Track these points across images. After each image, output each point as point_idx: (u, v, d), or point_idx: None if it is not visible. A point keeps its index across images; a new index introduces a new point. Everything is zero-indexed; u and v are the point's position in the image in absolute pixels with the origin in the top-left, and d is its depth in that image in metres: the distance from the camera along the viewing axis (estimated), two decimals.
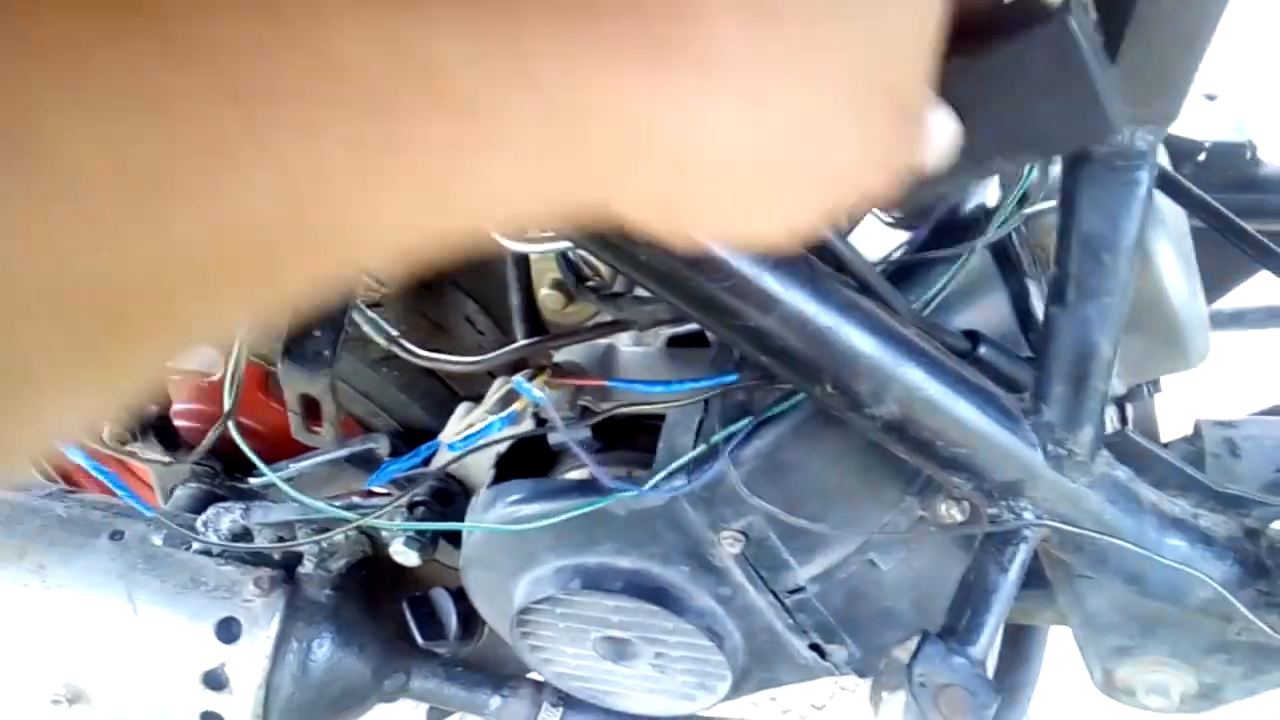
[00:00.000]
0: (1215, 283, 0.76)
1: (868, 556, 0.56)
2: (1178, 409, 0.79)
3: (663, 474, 0.54)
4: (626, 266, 0.41)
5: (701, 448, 0.55)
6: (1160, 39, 0.39)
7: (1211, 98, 0.77)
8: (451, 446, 0.60)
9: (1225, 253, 0.68)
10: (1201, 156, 0.72)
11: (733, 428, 0.53)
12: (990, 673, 0.51)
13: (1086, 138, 0.41)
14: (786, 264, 0.41)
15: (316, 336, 0.44)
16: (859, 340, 0.42)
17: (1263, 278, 0.81)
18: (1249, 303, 0.88)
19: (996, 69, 0.37)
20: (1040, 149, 0.41)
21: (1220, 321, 0.85)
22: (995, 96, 0.38)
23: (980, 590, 0.46)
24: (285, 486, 0.53)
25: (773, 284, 0.40)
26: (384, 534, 0.72)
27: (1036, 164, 0.55)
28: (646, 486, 0.54)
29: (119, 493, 0.67)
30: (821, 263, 0.43)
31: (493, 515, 0.62)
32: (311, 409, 0.50)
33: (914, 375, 0.43)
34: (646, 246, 0.39)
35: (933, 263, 0.55)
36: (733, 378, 0.54)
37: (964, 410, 0.44)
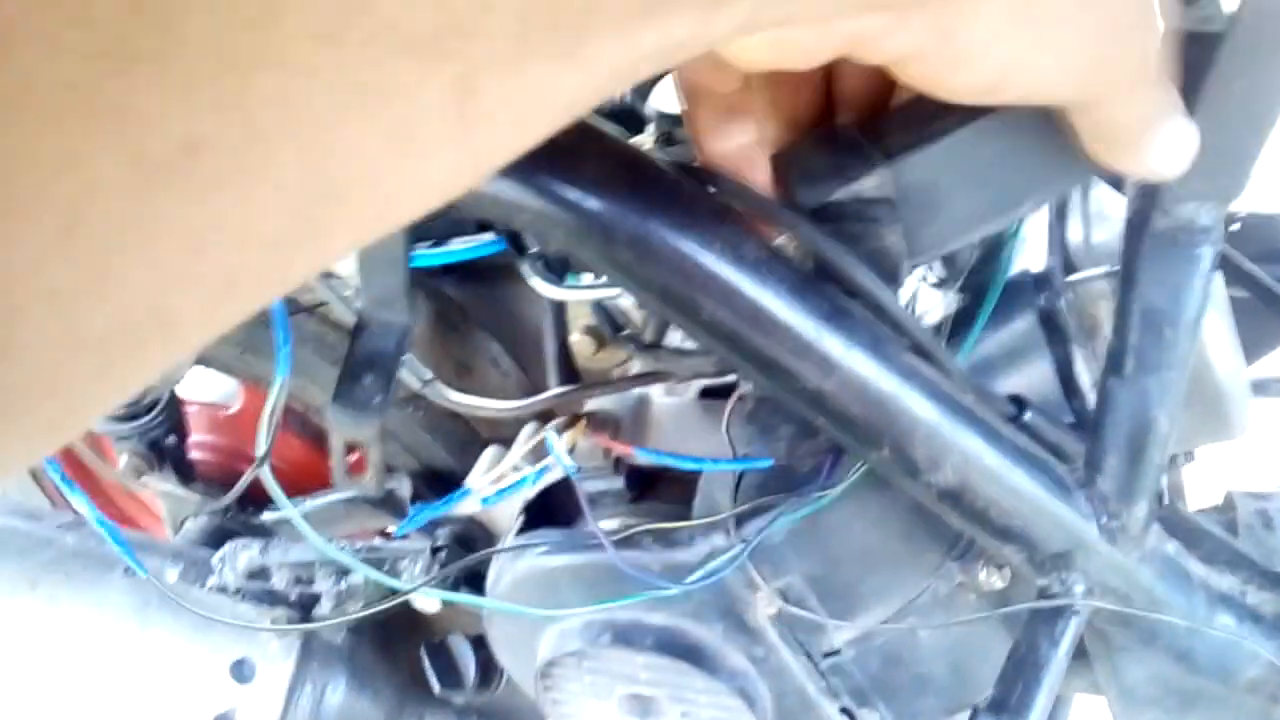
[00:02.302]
0: (1245, 352, 0.76)
1: (906, 620, 0.55)
2: (1199, 476, 0.79)
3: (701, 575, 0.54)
4: (687, 323, 0.40)
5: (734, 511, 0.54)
6: (1228, 116, 0.39)
7: None
8: (485, 501, 0.59)
9: (1255, 322, 0.68)
10: (1235, 227, 0.72)
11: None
12: None
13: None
14: (847, 326, 0.40)
15: (368, 383, 0.43)
16: (919, 406, 0.41)
17: None
18: (1273, 372, 0.88)
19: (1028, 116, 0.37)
20: (1062, 185, 0.41)
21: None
22: (1025, 140, 0.38)
23: (1031, 664, 0.45)
24: (317, 537, 0.52)
25: (834, 346, 0.40)
26: (404, 578, 0.70)
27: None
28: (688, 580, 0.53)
29: (117, 547, 0.65)
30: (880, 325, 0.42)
31: (520, 565, 0.61)
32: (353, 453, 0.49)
33: (972, 443, 0.42)
34: (710, 304, 0.39)
35: (974, 326, 0.55)
36: (767, 462, 0.54)
37: (1020, 480, 0.44)
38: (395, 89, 0.14)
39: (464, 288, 0.78)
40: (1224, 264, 0.61)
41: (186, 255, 0.13)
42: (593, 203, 0.36)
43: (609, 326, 0.61)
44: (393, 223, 0.16)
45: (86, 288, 0.13)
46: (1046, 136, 0.37)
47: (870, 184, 0.37)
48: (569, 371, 0.67)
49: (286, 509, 0.46)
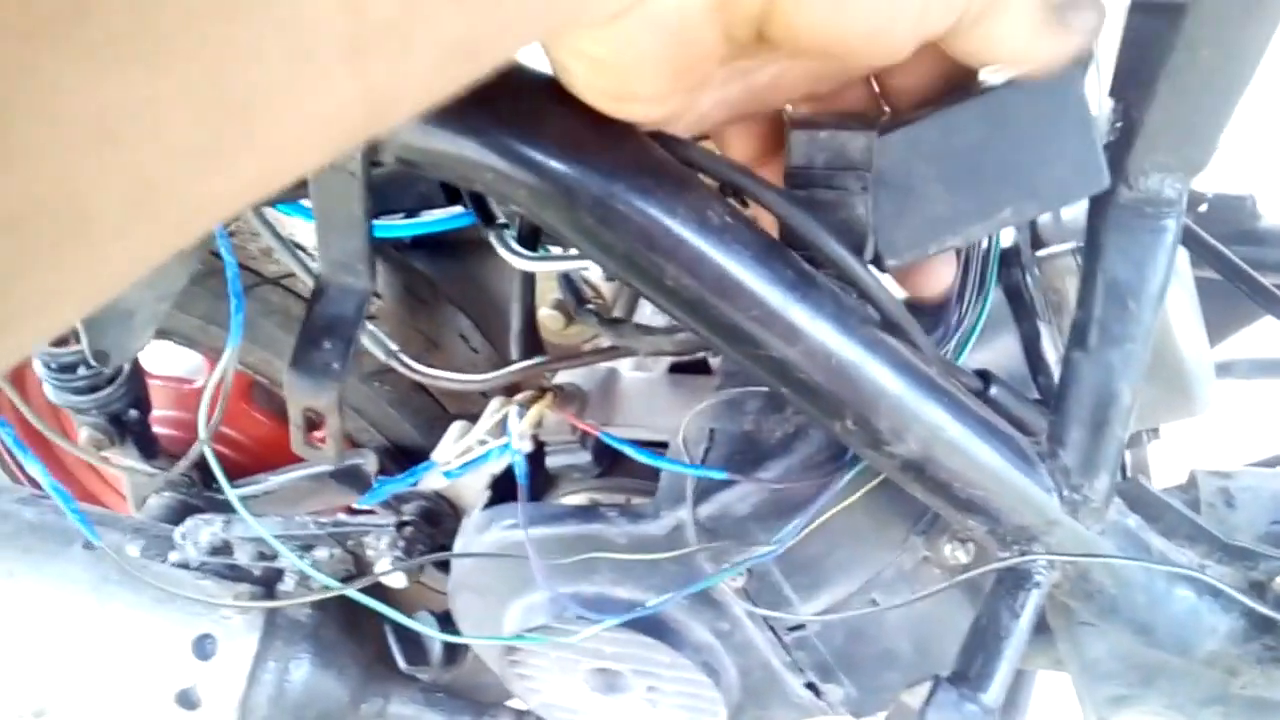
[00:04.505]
0: (1210, 332, 0.77)
1: (870, 595, 0.55)
2: (1163, 456, 0.79)
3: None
4: (650, 289, 0.40)
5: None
6: (1193, 87, 0.39)
7: None
8: (448, 475, 0.59)
9: (1221, 303, 0.68)
10: (1203, 207, 0.73)
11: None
12: None
13: (1084, 190, 0.41)
14: (813, 295, 0.40)
15: (326, 349, 0.42)
16: (883, 377, 0.41)
17: (1250, 329, 0.82)
18: (1237, 354, 0.89)
19: (1010, 112, 0.38)
20: (1043, 200, 0.40)
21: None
22: (1007, 140, 0.38)
23: (993, 636, 0.45)
24: (256, 521, 0.51)
25: (799, 316, 0.39)
26: (369, 554, 0.70)
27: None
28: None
29: (70, 513, 0.64)
30: (846, 296, 0.42)
31: (487, 540, 0.60)
32: (313, 423, 0.49)
33: (936, 415, 0.42)
34: (674, 270, 0.38)
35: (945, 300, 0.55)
36: (721, 474, 0.53)
37: (983, 452, 0.43)
38: None
39: (434, 261, 0.77)
40: (1191, 244, 0.61)
41: (95, 138, 0.13)
42: (556, 164, 0.35)
43: (574, 300, 0.61)
44: (294, 162, 0.17)
45: None
46: (1024, 144, 0.37)
47: (856, 143, 0.37)
48: (537, 346, 0.67)
49: (226, 489, 0.45)
